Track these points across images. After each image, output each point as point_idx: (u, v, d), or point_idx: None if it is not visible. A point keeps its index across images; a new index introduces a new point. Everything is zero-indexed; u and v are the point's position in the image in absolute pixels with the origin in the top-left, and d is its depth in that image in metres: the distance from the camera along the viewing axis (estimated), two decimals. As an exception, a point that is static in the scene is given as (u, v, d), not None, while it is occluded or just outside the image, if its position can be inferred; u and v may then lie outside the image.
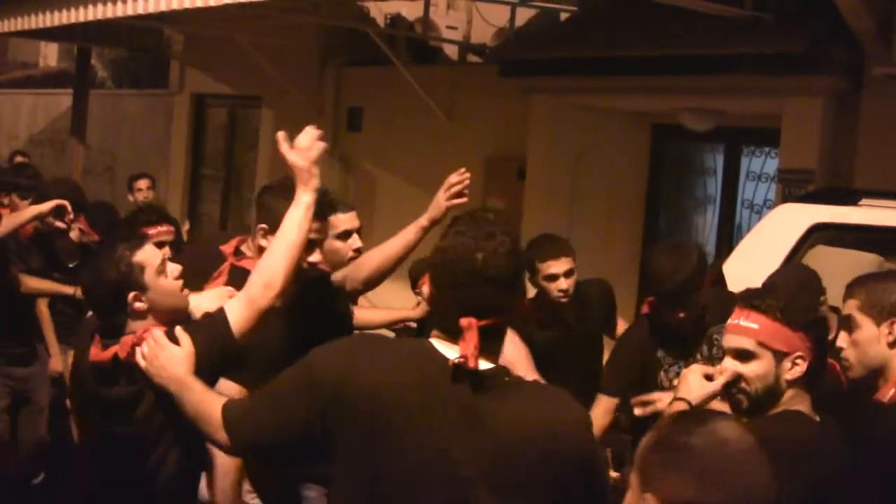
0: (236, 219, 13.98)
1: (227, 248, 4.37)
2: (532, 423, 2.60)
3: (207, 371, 3.33)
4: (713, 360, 5.02)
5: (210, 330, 3.46)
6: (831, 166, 8.28)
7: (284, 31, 12.10)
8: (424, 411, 2.61)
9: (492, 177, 10.77)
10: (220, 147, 14.65)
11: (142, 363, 3.34)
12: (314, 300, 4.33)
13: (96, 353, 3.57)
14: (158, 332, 3.38)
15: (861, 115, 8.29)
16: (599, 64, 9.26)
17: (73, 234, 6.92)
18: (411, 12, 11.73)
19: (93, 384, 3.60)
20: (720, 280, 5.98)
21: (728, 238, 9.89)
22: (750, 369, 3.18)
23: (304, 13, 11.30)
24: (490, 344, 2.67)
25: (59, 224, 6.39)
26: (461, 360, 2.59)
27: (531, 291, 5.59)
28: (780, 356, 3.14)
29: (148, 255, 3.60)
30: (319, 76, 12.80)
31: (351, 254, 4.84)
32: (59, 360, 6.84)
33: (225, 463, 3.91)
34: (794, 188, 7.91)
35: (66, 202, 6.27)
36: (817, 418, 3.19)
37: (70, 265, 6.73)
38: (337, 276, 4.69)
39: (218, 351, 3.43)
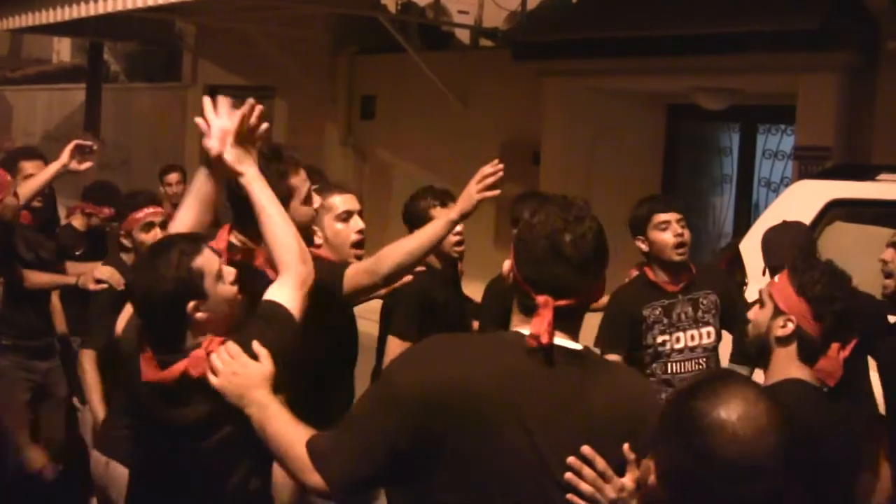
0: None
1: (220, 244, 3.77)
2: (620, 401, 2.60)
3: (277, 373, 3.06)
4: (698, 322, 5.27)
5: (279, 330, 3.16)
6: (848, 142, 8.24)
7: (296, 21, 12.10)
8: (513, 401, 2.56)
9: (507, 161, 10.63)
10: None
11: (216, 382, 3.01)
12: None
13: (153, 371, 3.17)
14: (235, 347, 3.05)
15: (876, 90, 8.26)
16: (612, 45, 9.24)
17: (77, 223, 6.91)
18: (422, -2, 11.74)
19: (156, 406, 3.20)
20: (738, 258, 5.96)
21: (745, 216, 9.88)
22: (753, 313, 3.33)
23: (315, 2, 11.30)
24: (568, 324, 2.65)
25: (76, 166, 6.19)
26: (533, 336, 2.58)
27: None
28: (777, 312, 3.23)
29: (207, 260, 3.21)
30: (331, 65, 12.80)
31: (355, 236, 4.59)
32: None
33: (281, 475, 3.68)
34: (810, 165, 7.88)
35: (82, 141, 6.13)
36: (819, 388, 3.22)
37: (77, 253, 6.69)
38: (358, 267, 4.40)
39: (288, 351, 3.15)
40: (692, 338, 5.31)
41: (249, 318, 3.20)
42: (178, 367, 3.10)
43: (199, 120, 3.40)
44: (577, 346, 2.65)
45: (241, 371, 2.98)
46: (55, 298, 6.81)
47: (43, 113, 18.50)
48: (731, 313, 5.28)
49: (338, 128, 12.66)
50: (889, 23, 7.81)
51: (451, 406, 2.56)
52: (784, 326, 3.20)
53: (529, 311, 2.64)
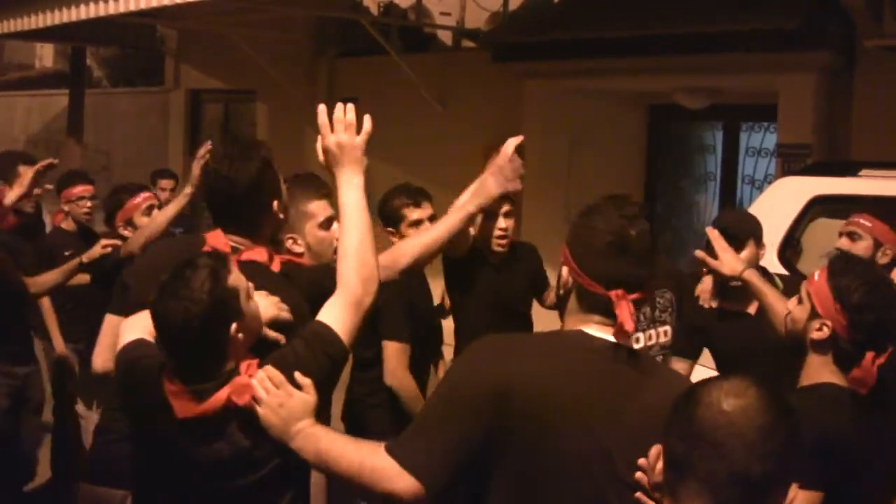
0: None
1: (220, 244, 3.64)
2: (670, 400, 2.47)
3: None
4: (655, 321, 5.32)
5: (321, 355, 2.95)
6: (828, 140, 8.29)
7: (277, 25, 12.10)
8: (578, 400, 2.60)
9: (488, 162, 10.75)
10: (217, 142, 14.61)
11: (262, 412, 2.82)
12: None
13: (189, 405, 2.89)
14: (279, 376, 2.84)
15: (855, 88, 8.33)
16: (592, 46, 9.26)
17: (65, 224, 6.95)
18: (404, 0, 11.72)
19: (187, 443, 2.92)
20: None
21: (729, 214, 9.90)
22: (792, 307, 3.34)
23: (296, 5, 11.29)
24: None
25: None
26: (620, 329, 2.65)
27: None
28: (814, 314, 3.21)
29: (237, 277, 2.99)
30: (312, 68, 12.80)
31: (336, 243, 4.55)
32: (63, 351, 6.86)
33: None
34: (793, 162, 7.93)
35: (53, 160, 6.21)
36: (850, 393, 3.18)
37: (66, 253, 6.64)
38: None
39: (333, 376, 3.00)
40: (650, 337, 5.35)
41: (292, 338, 3.01)
42: (221, 396, 2.86)
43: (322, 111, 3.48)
44: (637, 345, 2.73)
45: (286, 402, 2.82)
46: (46, 302, 6.78)
47: (25, 118, 18.45)
48: (679, 308, 5.33)
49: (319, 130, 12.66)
50: (866, 22, 7.86)
51: (520, 402, 2.57)
52: (820, 330, 3.18)
53: (597, 308, 2.72)
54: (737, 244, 4.69)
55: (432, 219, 5.27)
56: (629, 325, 2.64)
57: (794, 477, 2.13)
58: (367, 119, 3.44)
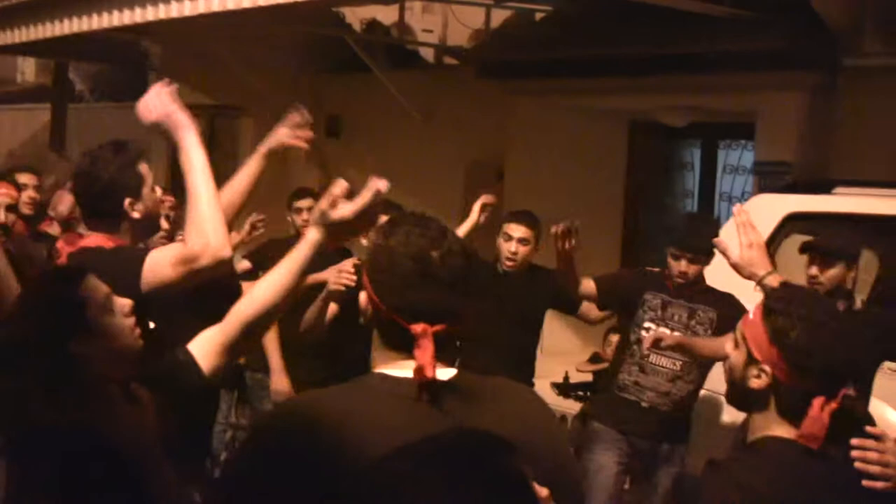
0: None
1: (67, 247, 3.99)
2: (509, 426, 2.20)
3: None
4: (688, 328, 5.53)
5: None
6: (808, 158, 8.35)
7: (262, 41, 12.12)
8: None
9: (472, 179, 10.81)
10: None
11: None
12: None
13: None
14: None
15: (836, 106, 8.37)
16: (576, 64, 9.32)
17: (53, 230, 7.16)
18: (387, 17, 11.74)
19: None
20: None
21: (707, 231, 9.95)
22: (729, 352, 2.87)
23: (281, 21, 11.32)
24: (447, 353, 2.37)
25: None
26: (418, 371, 2.28)
27: None
28: (751, 359, 2.78)
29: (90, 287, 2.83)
30: (297, 84, 12.82)
31: None
32: None
33: None
34: (770, 180, 7.98)
35: None
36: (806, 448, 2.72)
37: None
38: None
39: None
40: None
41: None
42: None
43: None
44: (453, 373, 2.37)
45: None
46: None
47: (8, 133, 18.43)
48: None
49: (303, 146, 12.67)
50: (848, 41, 7.93)
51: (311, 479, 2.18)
52: (759, 377, 2.74)
53: (400, 345, 2.36)
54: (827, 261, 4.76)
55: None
56: (429, 371, 2.27)
57: None
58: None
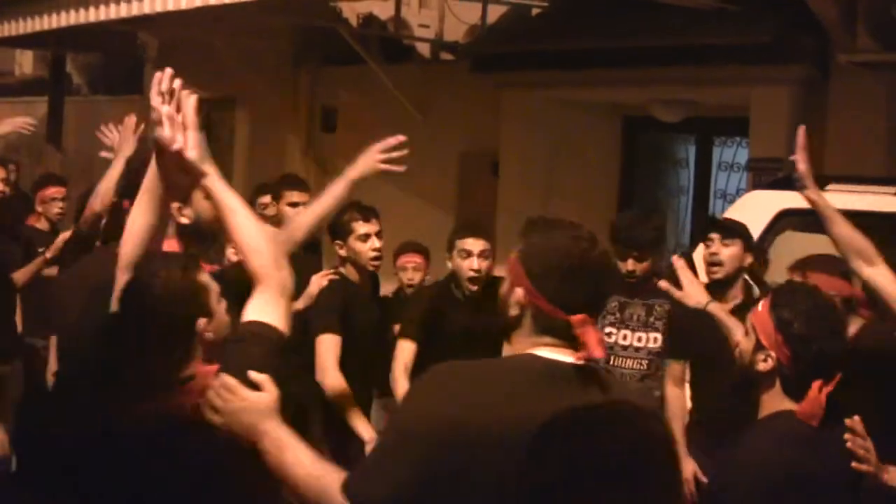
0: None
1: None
2: (640, 402, 2.56)
3: None
4: (648, 326, 5.49)
5: (267, 351, 2.80)
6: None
7: (258, 34, 12.13)
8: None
9: (466, 173, 10.85)
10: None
11: (220, 421, 2.64)
12: None
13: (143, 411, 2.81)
14: (231, 380, 2.65)
15: (828, 102, 8.41)
16: (569, 57, 9.35)
17: (40, 223, 7.18)
18: (384, 11, 11.78)
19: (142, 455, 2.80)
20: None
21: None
22: (741, 340, 3.36)
23: (277, 14, 11.34)
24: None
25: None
26: (585, 351, 2.57)
27: None
28: (759, 345, 3.23)
29: (208, 279, 2.98)
30: (293, 77, 12.84)
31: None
32: None
33: None
34: (764, 177, 8.00)
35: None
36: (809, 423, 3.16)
37: (40, 250, 6.81)
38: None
39: (277, 370, 2.79)
40: (639, 339, 5.51)
41: (228, 342, 2.89)
42: (180, 400, 2.77)
43: (155, 101, 3.12)
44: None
45: (245, 406, 2.63)
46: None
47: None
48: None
49: (299, 139, 12.70)
50: (840, 36, 7.95)
51: (475, 436, 2.47)
52: (765, 361, 3.19)
53: (551, 330, 2.63)
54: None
55: (379, 235, 5.63)
56: (599, 352, 2.59)
57: None
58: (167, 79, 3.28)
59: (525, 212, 9.58)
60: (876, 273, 4.13)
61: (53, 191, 7.49)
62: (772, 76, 8.28)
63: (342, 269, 5.65)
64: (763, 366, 3.20)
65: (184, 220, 3.81)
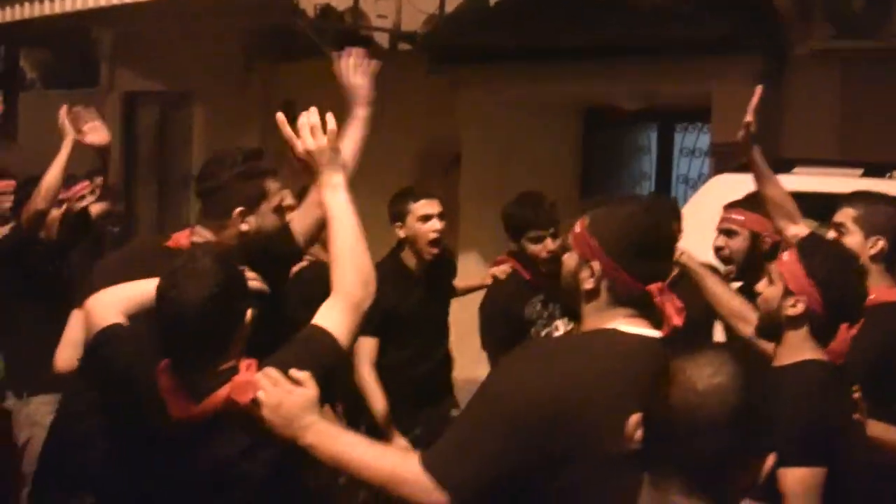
0: (172, 216, 13.85)
1: (183, 240, 3.71)
2: None
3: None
4: (551, 318, 5.32)
5: (317, 354, 2.84)
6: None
7: (213, 27, 12.04)
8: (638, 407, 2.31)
9: (424, 167, 10.80)
10: (153, 145, 14.52)
11: (264, 412, 2.65)
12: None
13: (184, 404, 2.78)
14: (276, 373, 2.69)
15: (785, 91, 8.50)
16: (526, 51, 9.34)
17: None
18: (341, 2, 11.70)
19: (181, 447, 2.80)
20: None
21: (665, 212, 10.02)
22: (763, 289, 3.48)
23: (232, 7, 11.27)
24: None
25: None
26: (670, 324, 2.66)
27: None
28: (787, 292, 3.37)
29: (241, 269, 3.01)
30: (249, 71, 12.76)
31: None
32: None
33: None
34: (725, 161, 8.05)
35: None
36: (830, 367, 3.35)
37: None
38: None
39: (327, 376, 2.82)
40: (567, 323, 5.38)
41: (286, 343, 2.91)
42: (221, 394, 2.73)
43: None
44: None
45: (286, 399, 2.65)
46: None
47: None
48: None
49: (256, 133, 12.63)
50: (797, 28, 8.05)
51: (573, 414, 2.48)
52: (794, 306, 3.34)
53: (628, 301, 2.69)
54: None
55: (441, 216, 5.49)
56: (678, 320, 2.67)
57: (757, 453, 2.15)
58: (329, 118, 3.49)
59: (486, 208, 9.62)
60: (800, 231, 4.37)
61: (3, 185, 7.31)
62: (731, 69, 8.33)
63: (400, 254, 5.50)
64: (792, 311, 3.34)
65: (244, 227, 3.74)
